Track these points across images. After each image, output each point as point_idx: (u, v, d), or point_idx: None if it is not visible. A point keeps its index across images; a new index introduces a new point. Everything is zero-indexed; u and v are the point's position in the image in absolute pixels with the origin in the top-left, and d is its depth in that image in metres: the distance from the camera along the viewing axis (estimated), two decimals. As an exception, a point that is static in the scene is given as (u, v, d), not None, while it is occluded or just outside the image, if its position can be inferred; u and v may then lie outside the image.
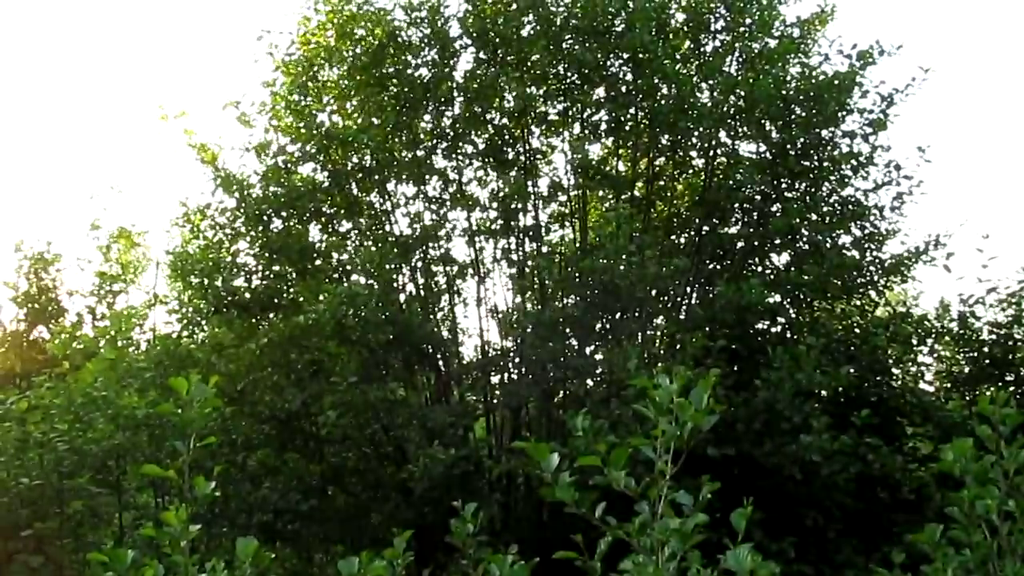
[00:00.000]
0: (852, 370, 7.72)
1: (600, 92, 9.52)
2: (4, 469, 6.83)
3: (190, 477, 3.31)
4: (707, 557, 3.49)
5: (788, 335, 9.09)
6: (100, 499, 7.54)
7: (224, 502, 8.27)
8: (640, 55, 8.91)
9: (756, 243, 9.36)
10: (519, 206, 9.06)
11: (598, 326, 8.87)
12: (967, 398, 9.61)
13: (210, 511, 8.10)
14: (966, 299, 9.81)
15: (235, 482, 8.43)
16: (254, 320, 9.24)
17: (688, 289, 9.61)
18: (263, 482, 8.64)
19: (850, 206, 9.54)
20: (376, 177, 9.39)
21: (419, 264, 9.54)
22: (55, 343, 9.97)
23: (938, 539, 3.97)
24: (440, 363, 9.38)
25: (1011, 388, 9.10)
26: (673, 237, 10.05)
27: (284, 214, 9.24)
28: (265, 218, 9.14)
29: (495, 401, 9.42)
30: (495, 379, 9.38)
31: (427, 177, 9.45)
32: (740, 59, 9.59)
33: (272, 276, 9.55)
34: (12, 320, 14.43)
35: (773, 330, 9.12)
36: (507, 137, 9.52)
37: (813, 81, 9.25)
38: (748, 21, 9.36)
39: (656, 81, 8.93)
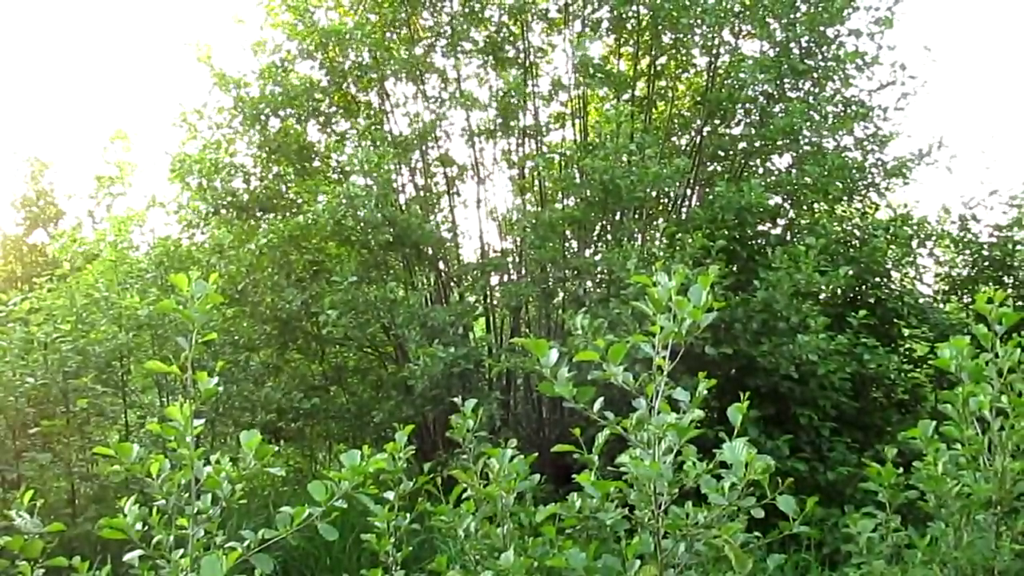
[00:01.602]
0: (851, 271, 7.73)
1: (601, -12, 9.33)
2: (9, 369, 6.88)
3: (193, 374, 3.35)
4: (704, 454, 3.55)
5: (788, 236, 9.09)
6: (105, 398, 7.62)
7: (227, 401, 8.39)
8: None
9: (757, 144, 9.28)
10: (518, 103, 8.94)
11: (598, 226, 8.86)
12: (965, 300, 9.67)
13: (213, 410, 8.22)
14: (967, 202, 9.81)
15: (238, 382, 8.53)
16: (253, 221, 9.24)
17: (688, 190, 9.58)
18: (265, 381, 8.74)
19: (853, 107, 9.45)
20: (374, 76, 9.26)
21: (418, 165, 9.48)
22: (56, 247, 9.98)
23: (930, 435, 4.03)
24: (440, 264, 9.40)
25: (1009, 290, 9.14)
26: (674, 138, 9.97)
27: (281, 114, 9.15)
28: (263, 117, 9.05)
29: (494, 301, 9.48)
30: (495, 280, 9.40)
31: (425, 76, 9.32)
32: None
33: (271, 177, 9.52)
34: (12, 224, 14.43)
35: (773, 231, 9.11)
36: (506, 34, 9.35)
37: (819, -24, 9.05)
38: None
39: (658, -23, 8.73)
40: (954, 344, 4.12)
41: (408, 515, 3.93)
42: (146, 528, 3.44)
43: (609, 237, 8.77)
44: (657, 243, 8.05)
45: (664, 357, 3.46)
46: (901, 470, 4.08)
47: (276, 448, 3.40)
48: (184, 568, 3.24)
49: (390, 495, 3.84)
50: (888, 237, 8.83)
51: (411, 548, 4.26)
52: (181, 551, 3.40)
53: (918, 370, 9.06)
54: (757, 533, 3.82)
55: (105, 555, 4.48)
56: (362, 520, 4.01)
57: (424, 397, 8.09)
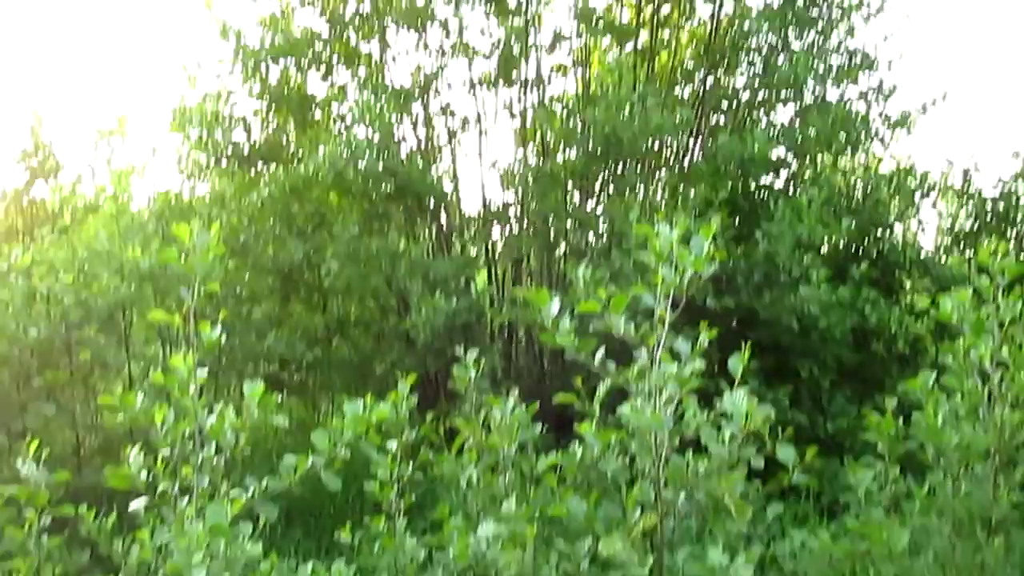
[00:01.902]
0: (853, 223, 7.71)
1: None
2: (12, 321, 6.89)
3: (195, 324, 3.36)
4: (704, 405, 3.57)
5: (790, 189, 9.06)
6: (108, 350, 7.63)
7: (229, 353, 8.41)
8: None
9: (761, 95, 9.20)
10: (520, 53, 8.85)
11: (599, 178, 8.82)
12: (967, 254, 9.66)
13: (216, 362, 8.24)
14: (971, 154, 9.77)
15: (240, 334, 8.54)
16: (255, 172, 9.20)
17: (691, 142, 9.52)
18: (268, 333, 8.75)
19: (859, 57, 9.36)
20: (375, 25, 9.16)
21: (419, 116, 9.41)
22: (56, 199, 9.93)
23: (931, 386, 4.05)
24: (441, 215, 9.38)
25: (1012, 242, 9.13)
26: (677, 89, 9.88)
27: (282, 63, 9.06)
28: (263, 67, 8.96)
29: (496, 254, 9.47)
30: (496, 232, 9.39)
31: (427, 25, 9.21)
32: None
33: (271, 128, 9.45)
34: (11, 177, 14.34)
35: (776, 183, 9.07)
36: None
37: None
38: None
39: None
40: (956, 296, 4.13)
41: (411, 464, 3.96)
42: (151, 477, 3.47)
43: (611, 189, 8.73)
44: (659, 195, 8.02)
45: (665, 308, 3.46)
46: (901, 421, 4.10)
47: (279, 398, 3.41)
48: (189, 516, 3.27)
49: (393, 444, 3.87)
50: (891, 190, 8.80)
51: (413, 497, 4.30)
52: (186, 499, 3.44)
53: (919, 323, 9.07)
54: (757, 483, 3.86)
55: (111, 504, 4.52)
56: (365, 470, 4.04)
57: (426, 349, 8.11)
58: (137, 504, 3.50)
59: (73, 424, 6.92)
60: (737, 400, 3.37)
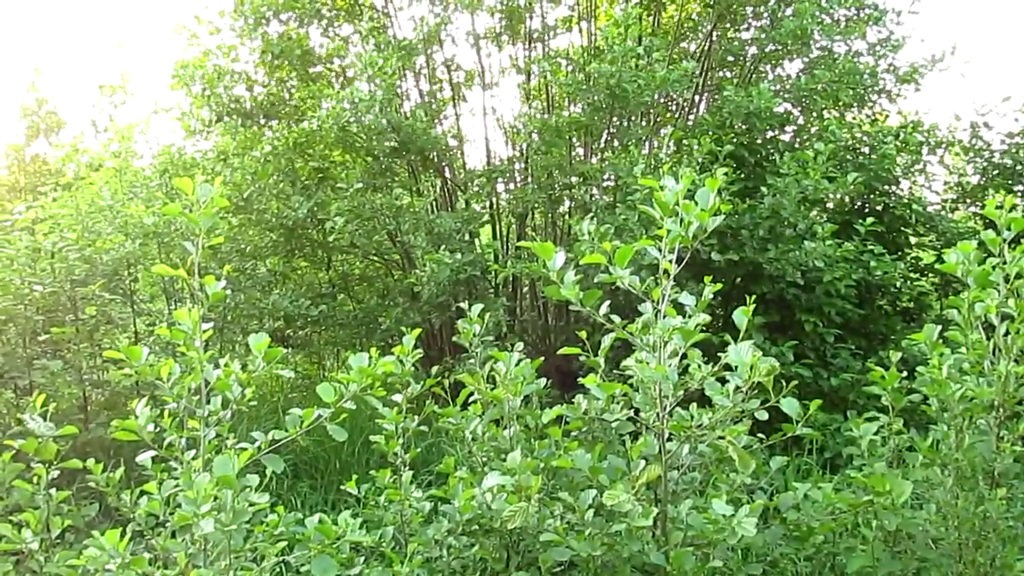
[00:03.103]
0: (859, 178, 7.66)
1: None
2: (17, 277, 6.89)
3: (200, 278, 3.35)
4: (708, 359, 3.58)
5: (796, 143, 9.01)
6: (113, 306, 7.65)
7: (234, 309, 8.43)
8: None
9: (768, 48, 9.11)
10: (525, 6, 8.76)
11: (604, 133, 8.77)
12: (974, 209, 9.63)
13: (221, 318, 8.27)
14: (979, 109, 9.69)
15: (244, 289, 8.56)
16: (257, 128, 9.15)
17: (697, 96, 9.46)
18: (272, 289, 8.76)
19: (867, 10, 9.26)
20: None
21: (423, 71, 9.34)
22: (59, 156, 9.91)
23: (935, 339, 4.05)
24: (445, 171, 9.34)
25: (1019, 197, 9.09)
26: (683, 43, 9.80)
27: (283, 17, 8.98)
28: (264, 21, 8.88)
29: (500, 208, 9.45)
30: (500, 187, 9.35)
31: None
32: None
33: (273, 83, 9.40)
34: (13, 133, 14.30)
35: (782, 138, 9.01)
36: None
37: None
38: None
39: None
40: (961, 249, 4.11)
41: (416, 418, 3.98)
42: (158, 430, 3.49)
43: (616, 143, 8.68)
44: (664, 149, 7.96)
45: (670, 261, 3.46)
46: (905, 375, 4.11)
47: (284, 352, 3.42)
48: (196, 468, 3.29)
49: (398, 398, 3.89)
50: (898, 144, 8.74)
51: (419, 451, 4.33)
52: (193, 452, 3.46)
53: (924, 279, 9.07)
54: (760, 435, 3.88)
55: (118, 458, 4.56)
56: (370, 424, 4.06)
57: (430, 304, 8.12)
58: (144, 457, 3.52)
59: (79, 380, 6.95)
60: (741, 352, 3.38)
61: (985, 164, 9.58)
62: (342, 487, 4.17)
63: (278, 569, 3.83)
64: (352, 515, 3.48)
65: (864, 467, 3.97)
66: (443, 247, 7.89)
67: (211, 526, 2.97)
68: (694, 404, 3.61)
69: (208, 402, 3.40)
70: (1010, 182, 9.33)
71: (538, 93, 9.40)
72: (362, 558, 3.87)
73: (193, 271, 3.33)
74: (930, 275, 9.01)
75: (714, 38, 9.35)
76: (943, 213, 9.52)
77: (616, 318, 3.54)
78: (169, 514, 3.43)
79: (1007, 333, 3.92)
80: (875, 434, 4.10)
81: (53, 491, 3.90)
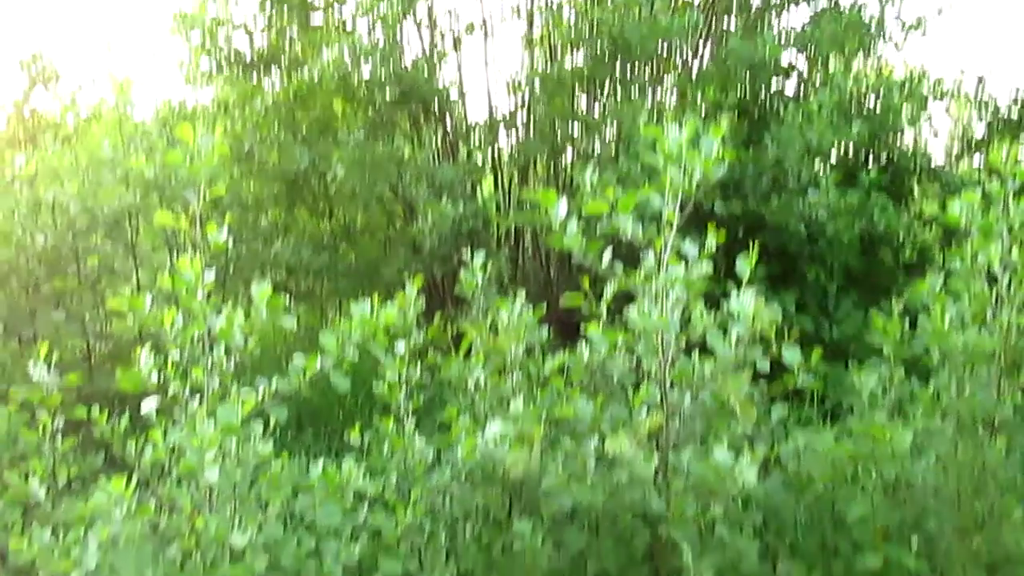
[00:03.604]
0: (864, 128, 7.60)
1: None
2: (19, 228, 6.89)
3: (202, 228, 3.35)
4: (711, 309, 3.58)
5: (801, 93, 8.92)
6: (115, 257, 7.64)
7: (236, 260, 8.43)
8: None
9: (773, -1, 9.00)
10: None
11: (607, 83, 8.69)
12: (978, 161, 9.57)
13: (223, 270, 8.26)
14: (986, 60, 9.59)
15: (246, 241, 8.55)
16: (257, 79, 9.08)
17: (701, 46, 9.35)
18: (274, 240, 8.76)
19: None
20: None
21: (424, 20, 9.23)
22: (57, 108, 9.84)
23: (938, 290, 4.04)
24: (447, 121, 9.28)
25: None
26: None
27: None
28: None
29: (502, 159, 9.40)
30: (502, 138, 9.30)
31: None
32: None
33: (273, 33, 9.29)
34: (11, 86, 14.17)
35: (786, 88, 8.93)
36: None
37: None
38: None
39: None
40: (965, 199, 4.08)
41: (418, 367, 3.99)
42: (162, 379, 3.51)
43: (619, 93, 8.61)
44: (668, 99, 7.90)
45: (673, 210, 3.44)
46: (907, 325, 4.11)
47: (287, 302, 3.43)
48: (201, 417, 3.31)
49: (401, 347, 3.90)
50: (903, 95, 8.66)
51: (421, 400, 4.35)
52: (197, 401, 3.48)
53: (927, 230, 9.03)
54: (762, 385, 3.89)
55: (123, 408, 4.58)
56: (373, 374, 4.07)
57: (432, 255, 8.11)
58: (149, 405, 3.54)
59: (83, 331, 6.98)
60: (744, 301, 3.38)
61: (991, 116, 9.50)
62: (345, 436, 4.19)
63: (283, 516, 3.86)
64: (355, 464, 3.51)
65: (865, 416, 3.99)
66: (445, 198, 7.86)
67: (216, 474, 3.00)
68: (696, 353, 3.62)
69: (211, 351, 3.41)
70: (1015, 134, 9.25)
71: (540, 42, 9.30)
72: (366, 506, 3.91)
73: (195, 220, 3.33)
74: (934, 227, 8.97)
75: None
76: (948, 165, 9.46)
77: (619, 267, 3.54)
78: (174, 463, 3.46)
79: (1010, 283, 3.92)
80: (876, 384, 4.11)
81: (59, 440, 3.93)
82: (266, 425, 3.27)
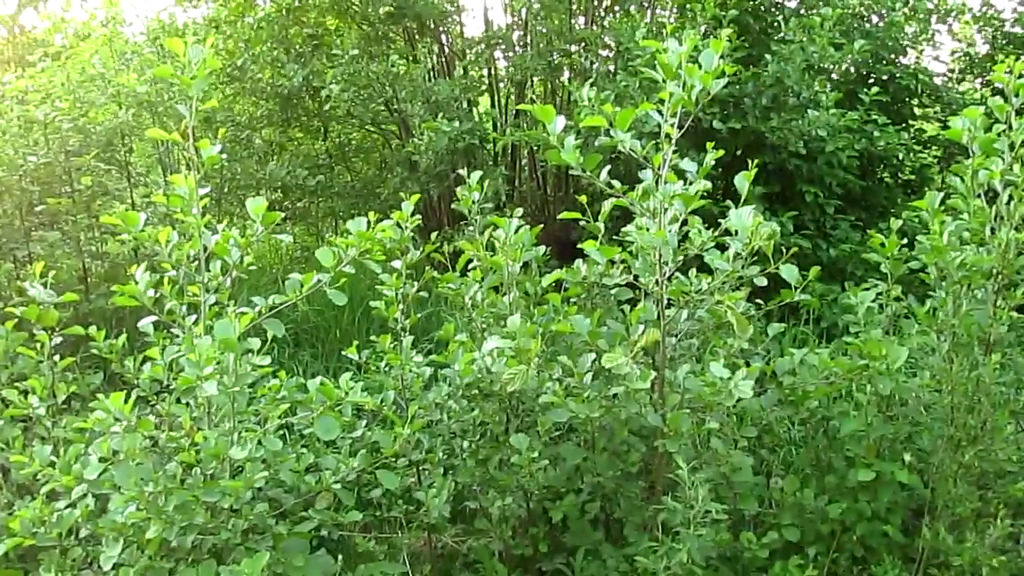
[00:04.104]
0: (866, 46, 7.49)
1: None
2: (10, 148, 6.80)
3: (195, 143, 3.31)
4: (709, 227, 3.56)
5: (803, 9, 8.77)
6: (109, 176, 7.57)
7: (231, 180, 8.37)
8: None
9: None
10: None
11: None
12: (980, 80, 9.46)
13: (218, 189, 8.21)
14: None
15: (241, 160, 8.48)
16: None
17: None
18: (269, 160, 8.68)
19: None
20: None
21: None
22: (46, 25, 9.68)
23: (937, 207, 4.02)
24: (443, 38, 9.14)
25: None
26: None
27: None
28: None
29: (499, 76, 9.28)
30: (499, 55, 9.16)
31: None
32: None
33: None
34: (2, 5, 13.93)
35: (787, 3, 8.77)
36: None
37: None
38: None
39: None
40: (967, 115, 4.04)
41: (416, 284, 3.99)
42: (158, 296, 3.50)
43: (617, 8, 8.46)
44: (666, 15, 7.76)
45: (672, 126, 3.40)
46: (905, 241, 4.10)
47: (282, 216, 3.40)
48: (198, 333, 3.32)
49: (397, 264, 3.89)
50: (906, 12, 8.52)
51: (419, 318, 4.36)
52: (194, 317, 3.48)
53: (927, 151, 8.97)
54: (759, 302, 3.90)
55: (120, 328, 4.59)
56: (370, 293, 4.08)
57: (428, 173, 8.05)
58: (146, 323, 3.54)
59: (78, 251, 6.94)
60: (742, 216, 3.36)
61: (995, 33, 9.37)
62: (343, 354, 4.21)
63: (281, 431, 3.90)
64: (353, 380, 3.52)
65: (860, 334, 4.00)
66: (441, 115, 7.76)
67: (214, 388, 3.01)
68: (693, 270, 3.62)
69: (207, 268, 3.40)
70: (1020, 52, 9.13)
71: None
72: (364, 421, 3.95)
73: (187, 135, 3.28)
74: (933, 147, 8.91)
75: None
76: (949, 84, 9.36)
77: (616, 184, 3.51)
78: (172, 379, 3.47)
79: (1010, 200, 3.90)
80: (872, 302, 4.12)
81: (57, 358, 3.94)
82: (263, 341, 3.28)
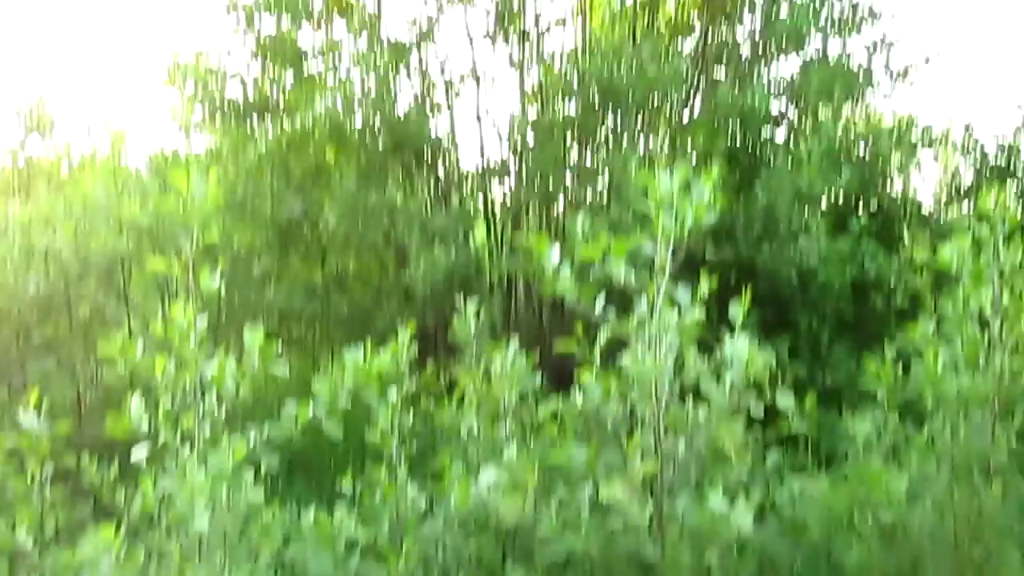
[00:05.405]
0: (853, 176, 7.66)
1: None
2: (11, 276, 6.88)
3: (194, 274, 3.34)
4: (704, 356, 3.57)
5: (791, 141, 9.00)
6: (108, 304, 7.63)
7: (229, 307, 8.40)
8: None
9: (762, 48, 9.11)
10: (520, 7, 8.75)
11: (598, 130, 8.76)
12: (967, 207, 9.63)
13: (215, 316, 8.23)
14: (973, 108, 9.71)
15: (239, 288, 8.53)
16: (251, 127, 9.13)
17: (692, 95, 9.45)
18: (267, 287, 8.74)
19: (861, 10, 9.26)
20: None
21: (416, 69, 9.32)
22: (52, 155, 9.89)
23: (930, 334, 4.05)
24: (439, 169, 9.33)
25: (1012, 196, 9.09)
26: (678, 41, 9.79)
27: (274, 17, 8.96)
28: (257, 20, 8.86)
29: (495, 207, 9.44)
30: (495, 185, 9.35)
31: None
32: None
33: (266, 81, 9.37)
34: (6, 133, 14.24)
35: (776, 136, 9.02)
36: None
37: None
38: None
39: None
40: (956, 243, 4.11)
41: (411, 414, 3.96)
42: (152, 427, 3.47)
43: (611, 142, 8.68)
44: (659, 147, 7.96)
45: (666, 256, 3.45)
46: (900, 370, 4.11)
47: (279, 349, 3.40)
48: (191, 465, 3.28)
49: (393, 394, 3.87)
50: (892, 143, 8.75)
51: (414, 447, 4.31)
52: (188, 448, 3.44)
53: (918, 276, 9.06)
54: (756, 431, 3.87)
55: (113, 456, 4.53)
56: (366, 421, 4.04)
57: (425, 302, 8.10)
58: (139, 453, 3.50)
59: (73, 378, 6.94)
60: (738, 345, 3.37)
61: (979, 163, 9.60)
62: (337, 484, 4.15)
63: (274, 565, 3.81)
64: (348, 512, 3.47)
65: (860, 462, 3.97)
66: (437, 245, 7.87)
67: (206, 523, 2.96)
68: (690, 399, 3.60)
69: (203, 398, 3.39)
70: (1003, 180, 9.34)
71: (533, 93, 9.39)
72: (358, 554, 3.86)
73: (188, 267, 3.32)
74: (925, 273, 9.00)
75: (709, 37, 9.34)
76: (937, 211, 9.53)
77: (612, 314, 3.53)
78: (164, 511, 3.41)
79: (1002, 327, 3.92)
80: (870, 430, 4.09)
81: (47, 489, 3.88)
82: (257, 473, 3.24)
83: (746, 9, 9.15)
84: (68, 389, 6.99)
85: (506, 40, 9.18)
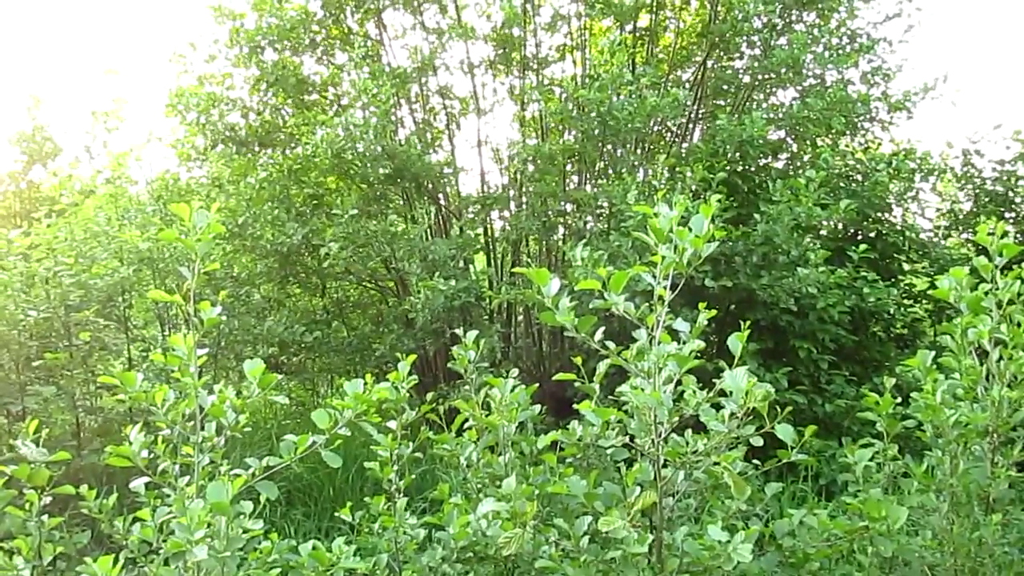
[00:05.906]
0: (852, 204, 7.70)
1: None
2: (11, 303, 6.88)
3: (195, 304, 3.35)
4: (703, 385, 3.58)
5: (789, 170, 9.06)
6: (108, 332, 7.63)
7: (229, 335, 8.42)
8: None
9: (761, 77, 9.19)
10: (520, 37, 8.83)
11: (598, 160, 8.82)
12: (966, 236, 9.68)
13: (215, 345, 8.25)
14: (971, 136, 9.78)
15: (239, 316, 8.56)
16: (252, 155, 9.19)
17: (690, 124, 9.52)
18: (267, 316, 8.76)
19: (859, 39, 9.35)
20: (371, 6, 9.13)
21: (417, 98, 9.40)
22: (53, 182, 9.92)
23: (929, 365, 4.05)
24: (440, 198, 9.38)
25: (1011, 225, 9.15)
26: (677, 71, 9.87)
27: (277, 46, 9.04)
28: (259, 50, 8.94)
29: (495, 235, 9.48)
30: (495, 214, 9.39)
31: (424, 6, 9.18)
32: None
33: (268, 111, 9.44)
34: (9, 160, 14.29)
35: (774, 165, 9.07)
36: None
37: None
38: None
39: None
40: (953, 275, 4.13)
41: (410, 444, 3.97)
42: (151, 456, 3.47)
43: (610, 171, 8.73)
44: (658, 176, 8.01)
45: (665, 287, 3.46)
46: (899, 401, 4.11)
47: (279, 378, 3.42)
48: (190, 495, 3.28)
49: (393, 424, 3.88)
50: (890, 171, 8.80)
51: (413, 477, 4.31)
52: (187, 478, 3.44)
53: (917, 305, 9.10)
54: (756, 462, 3.87)
55: (111, 485, 4.53)
56: (365, 451, 4.05)
57: (425, 330, 8.12)
58: (138, 483, 3.50)
59: (73, 406, 6.92)
60: (737, 377, 3.38)
61: (977, 191, 9.65)
62: (336, 514, 4.15)
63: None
64: (346, 542, 3.46)
65: (859, 493, 3.96)
66: (437, 274, 7.90)
67: (205, 553, 2.95)
68: (689, 430, 3.61)
69: (202, 428, 3.39)
70: (1001, 209, 9.39)
71: (532, 122, 9.46)
72: (356, 585, 3.85)
73: (188, 297, 3.33)
74: (923, 302, 9.03)
75: (708, 67, 9.42)
76: (936, 240, 9.57)
77: (611, 344, 3.54)
78: (162, 541, 3.40)
79: (1000, 358, 3.93)
80: (870, 460, 4.09)
81: (45, 518, 3.87)
82: (256, 503, 3.24)
83: (745, 39, 9.24)
84: (67, 417, 6.98)
85: (507, 71, 9.26)
